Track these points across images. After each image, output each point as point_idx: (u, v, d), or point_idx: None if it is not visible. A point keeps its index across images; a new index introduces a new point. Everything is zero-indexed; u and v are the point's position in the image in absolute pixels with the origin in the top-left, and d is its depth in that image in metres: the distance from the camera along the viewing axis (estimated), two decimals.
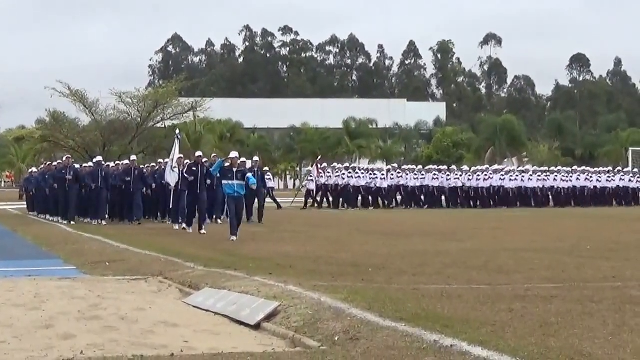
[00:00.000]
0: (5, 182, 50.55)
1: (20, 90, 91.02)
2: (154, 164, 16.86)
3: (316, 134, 47.20)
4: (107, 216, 15.26)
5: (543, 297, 5.32)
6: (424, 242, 10.16)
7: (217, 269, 7.05)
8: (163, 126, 27.05)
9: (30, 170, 21.73)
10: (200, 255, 8.36)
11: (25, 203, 21.12)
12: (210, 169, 12.31)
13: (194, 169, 12.48)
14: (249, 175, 11.19)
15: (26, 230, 14.20)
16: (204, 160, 13.22)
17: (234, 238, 10.34)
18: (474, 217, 17.64)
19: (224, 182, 10.84)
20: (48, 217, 16.62)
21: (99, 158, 15.96)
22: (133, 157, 16.09)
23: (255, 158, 17.50)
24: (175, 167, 13.44)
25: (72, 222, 14.70)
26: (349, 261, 7.72)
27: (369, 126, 48.51)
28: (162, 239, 11.09)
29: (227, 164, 10.94)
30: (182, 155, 13.83)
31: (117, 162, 17.55)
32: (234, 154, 11.14)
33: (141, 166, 16.78)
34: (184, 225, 12.83)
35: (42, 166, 20.24)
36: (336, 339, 4.24)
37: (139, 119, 25.52)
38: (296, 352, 4.08)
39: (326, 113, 52.87)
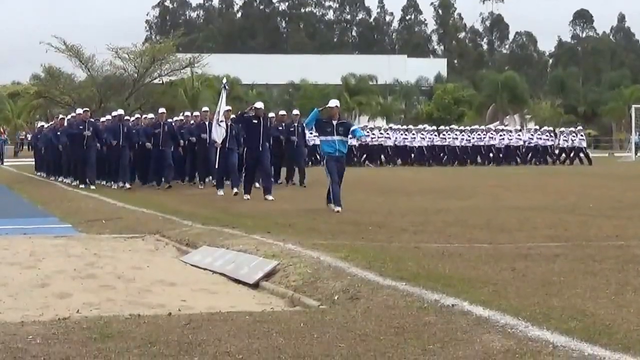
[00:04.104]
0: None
1: (14, 45, 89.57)
2: (182, 117, 14.97)
3: (315, 90, 46.65)
4: (130, 178, 13.26)
5: (545, 256, 5.27)
6: (424, 200, 10.09)
7: (214, 226, 6.99)
8: (160, 82, 26.69)
9: (39, 125, 20.30)
10: (197, 213, 8.29)
11: (18, 159, 20.71)
12: (304, 122, 9.71)
13: (255, 121, 10.14)
14: (355, 127, 9.04)
15: (22, 188, 14.09)
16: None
17: (338, 209, 8.32)
18: (474, 175, 17.56)
19: (321, 138, 8.81)
20: (62, 179, 14.66)
21: (120, 111, 14.04)
22: (162, 110, 13.81)
23: (295, 111, 14.62)
24: (222, 120, 11.41)
25: (93, 187, 12.75)
26: (348, 219, 7.65)
27: (368, 82, 47.90)
28: (159, 197, 11.02)
29: (324, 111, 8.78)
30: (229, 108, 11.86)
31: (137, 116, 15.28)
32: (333, 103, 8.87)
33: (169, 120, 14.38)
34: (234, 189, 10.76)
35: (51, 122, 19.20)
36: (336, 298, 4.19)
37: (136, 75, 25.13)
38: (295, 312, 4.04)
39: (325, 69, 52.08)
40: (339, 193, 8.47)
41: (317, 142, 20.89)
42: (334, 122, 8.62)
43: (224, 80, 13.20)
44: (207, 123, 13.05)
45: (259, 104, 10.76)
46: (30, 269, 5.37)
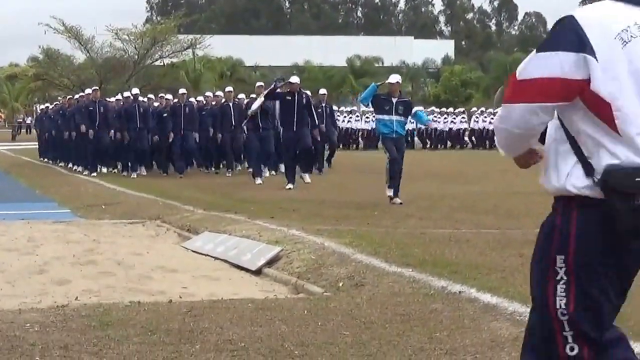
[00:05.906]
0: None
1: (11, 27, 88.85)
2: (201, 98, 13.89)
3: (320, 72, 46.35)
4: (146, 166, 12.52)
5: None
6: (431, 185, 9.97)
7: (216, 212, 6.92)
8: (161, 64, 26.51)
9: (42, 107, 19.62)
10: (199, 199, 8.23)
11: (16, 143, 20.35)
12: (360, 97, 8.65)
13: (289, 97, 9.22)
14: (419, 110, 8.05)
15: (19, 172, 13.99)
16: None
17: (391, 194, 7.57)
18: (482, 159, 17.43)
19: (378, 116, 7.97)
20: (69, 165, 13.99)
21: (135, 91, 12.93)
22: (182, 91, 12.76)
23: (322, 91, 13.56)
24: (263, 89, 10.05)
25: (94, 174, 12.08)
26: (353, 204, 7.56)
27: (374, 64, 47.58)
28: (160, 182, 10.95)
29: (384, 87, 7.91)
30: (262, 84, 10.58)
31: (150, 96, 14.07)
32: (395, 78, 7.89)
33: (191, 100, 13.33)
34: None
35: (52, 104, 18.88)
36: (340, 285, 4.13)
37: (137, 57, 24.92)
38: (299, 299, 3.97)
39: (330, 50, 51.75)
40: (398, 178, 7.61)
41: (351, 125, 21.28)
42: (394, 100, 7.70)
43: None
44: (231, 104, 12.35)
45: (295, 79, 9.75)
46: (28, 255, 5.30)
